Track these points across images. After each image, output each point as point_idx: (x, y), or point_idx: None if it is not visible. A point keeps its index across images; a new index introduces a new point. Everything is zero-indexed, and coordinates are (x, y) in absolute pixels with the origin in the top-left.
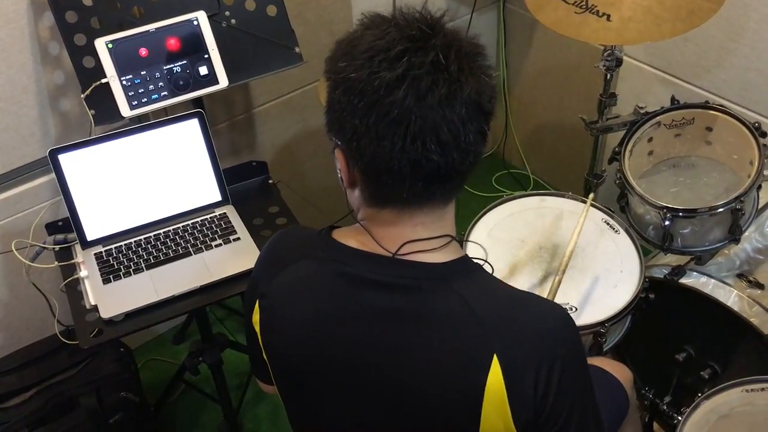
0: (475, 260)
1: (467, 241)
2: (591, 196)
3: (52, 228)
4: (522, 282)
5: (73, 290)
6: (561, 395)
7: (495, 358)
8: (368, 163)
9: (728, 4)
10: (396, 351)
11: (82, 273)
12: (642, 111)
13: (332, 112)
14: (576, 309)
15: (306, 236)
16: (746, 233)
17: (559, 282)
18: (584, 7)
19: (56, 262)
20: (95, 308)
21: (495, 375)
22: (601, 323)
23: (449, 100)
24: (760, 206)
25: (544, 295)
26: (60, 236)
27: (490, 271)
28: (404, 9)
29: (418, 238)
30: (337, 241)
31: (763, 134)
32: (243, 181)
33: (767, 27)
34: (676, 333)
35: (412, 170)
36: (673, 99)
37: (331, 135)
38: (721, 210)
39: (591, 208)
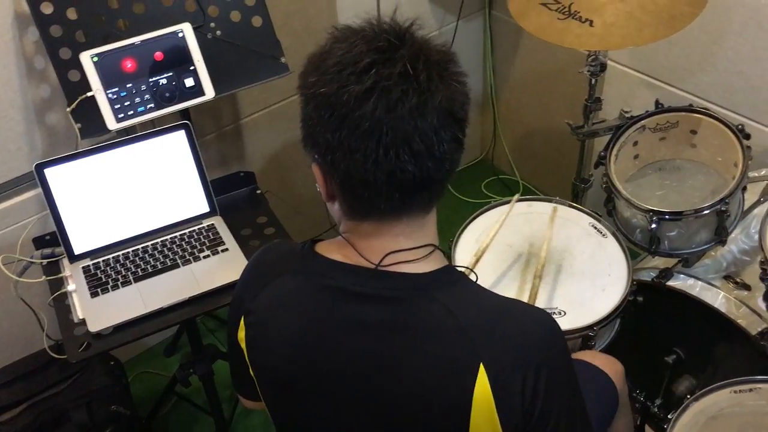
0: (459, 269)
1: (454, 249)
2: (516, 196)
3: (39, 242)
4: (509, 286)
5: (61, 304)
6: (548, 401)
7: (481, 366)
8: (344, 177)
9: (710, 8)
10: (383, 363)
11: (70, 287)
12: (627, 115)
13: (306, 127)
14: (564, 313)
15: (289, 251)
16: (732, 235)
17: (537, 287)
18: (567, 13)
19: (44, 277)
20: (83, 322)
21: (482, 384)
22: (590, 327)
23: (420, 110)
24: (745, 208)
25: (525, 298)
26: (47, 250)
27: (474, 279)
28: (374, 20)
29: (400, 248)
30: (320, 255)
31: (747, 136)
32: (231, 191)
33: (750, 30)
34: (665, 335)
35: (387, 182)
36: (657, 102)
37: (307, 150)
38: (706, 212)
39: (579, 212)
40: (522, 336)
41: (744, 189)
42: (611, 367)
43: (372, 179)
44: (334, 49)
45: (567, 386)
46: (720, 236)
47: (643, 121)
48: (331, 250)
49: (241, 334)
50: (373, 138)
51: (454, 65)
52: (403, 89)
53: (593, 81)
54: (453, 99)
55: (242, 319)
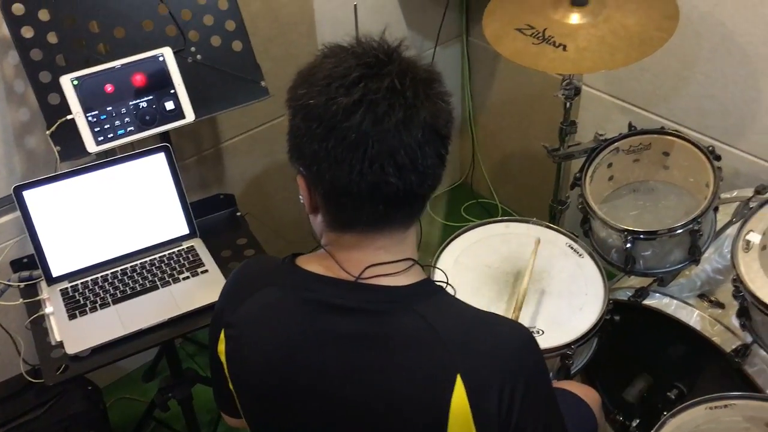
0: (437, 283)
1: (434, 267)
2: (538, 239)
3: (17, 265)
4: (488, 307)
5: (39, 327)
6: (525, 413)
7: (459, 378)
8: (328, 188)
9: (681, 34)
10: (361, 375)
11: (47, 309)
12: (601, 138)
13: (293, 138)
14: (543, 332)
15: (270, 264)
16: (706, 255)
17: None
18: (541, 38)
19: (21, 300)
20: (61, 344)
21: (459, 395)
22: (568, 345)
23: (406, 124)
24: (718, 228)
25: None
26: (25, 273)
27: (452, 292)
28: (363, 38)
29: (380, 262)
30: (300, 268)
31: (717, 157)
32: (211, 214)
33: (719, 56)
34: (642, 354)
35: (371, 193)
36: (630, 125)
37: (293, 162)
38: (679, 231)
39: (556, 233)
40: (499, 348)
41: (716, 209)
42: (589, 395)
43: (356, 190)
44: (323, 63)
45: (544, 400)
46: (693, 255)
47: (616, 143)
48: (312, 262)
49: (222, 347)
50: (359, 150)
51: (440, 85)
52: (390, 103)
53: (568, 105)
54: (438, 116)
55: (223, 332)
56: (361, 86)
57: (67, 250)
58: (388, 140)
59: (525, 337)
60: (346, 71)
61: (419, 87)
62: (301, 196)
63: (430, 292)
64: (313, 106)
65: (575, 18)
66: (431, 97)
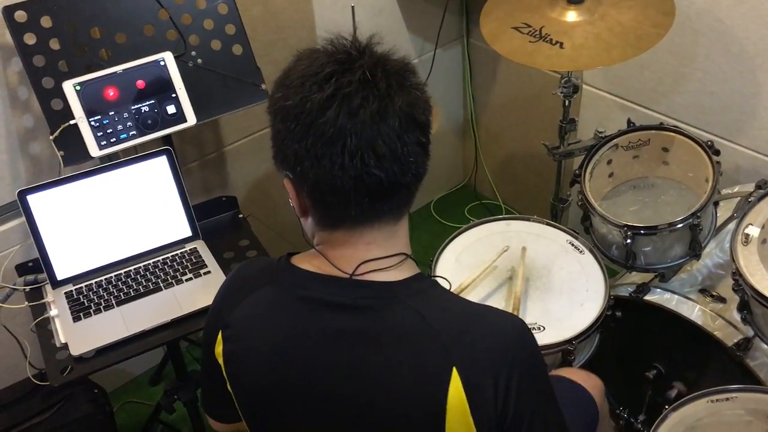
0: (434, 277)
1: (434, 271)
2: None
3: (22, 269)
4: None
5: (44, 330)
6: (521, 402)
7: (454, 370)
8: (313, 186)
9: (678, 31)
10: (358, 372)
11: (52, 312)
12: (601, 135)
13: (276, 142)
14: (544, 328)
15: (265, 265)
16: (707, 250)
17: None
18: (538, 36)
19: (26, 303)
20: (66, 346)
21: (455, 387)
22: (569, 341)
23: (381, 115)
24: (719, 223)
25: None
26: (30, 277)
27: (447, 286)
28: (335, 38)
29: (372, 257)
30: (296, 267)
31: (717, 152)
32: (213, 216)
33: (716, 51)
34: (645, 350)
35: (355, 187)
36: (629, 122)
37: (278, 167)
38: (679, 226)
39: (556, 230)
40: (493, 338)
41: (716, 204)
42: (589, 381)
43: (340, 185)
44: (296, 66)
45: (540, 388)
46: (694, 250)
47: (615, 140)
48: (306, 261)
49: (219, 348)
50: (338, 144)
51: (413, 76)
52: (363, 95)
53: (567, 102)
54: (414, 104)
55: (220, 333)
56: (333, 81)
57: (71, 254)
58: (365, 132)
59: (519, 327)
60: (318, 69)
61: (392, 78)
62: (290, 200)
63: (423, 287)
64: (290, 107)
65: (572, 16)
66: (405, 87)
